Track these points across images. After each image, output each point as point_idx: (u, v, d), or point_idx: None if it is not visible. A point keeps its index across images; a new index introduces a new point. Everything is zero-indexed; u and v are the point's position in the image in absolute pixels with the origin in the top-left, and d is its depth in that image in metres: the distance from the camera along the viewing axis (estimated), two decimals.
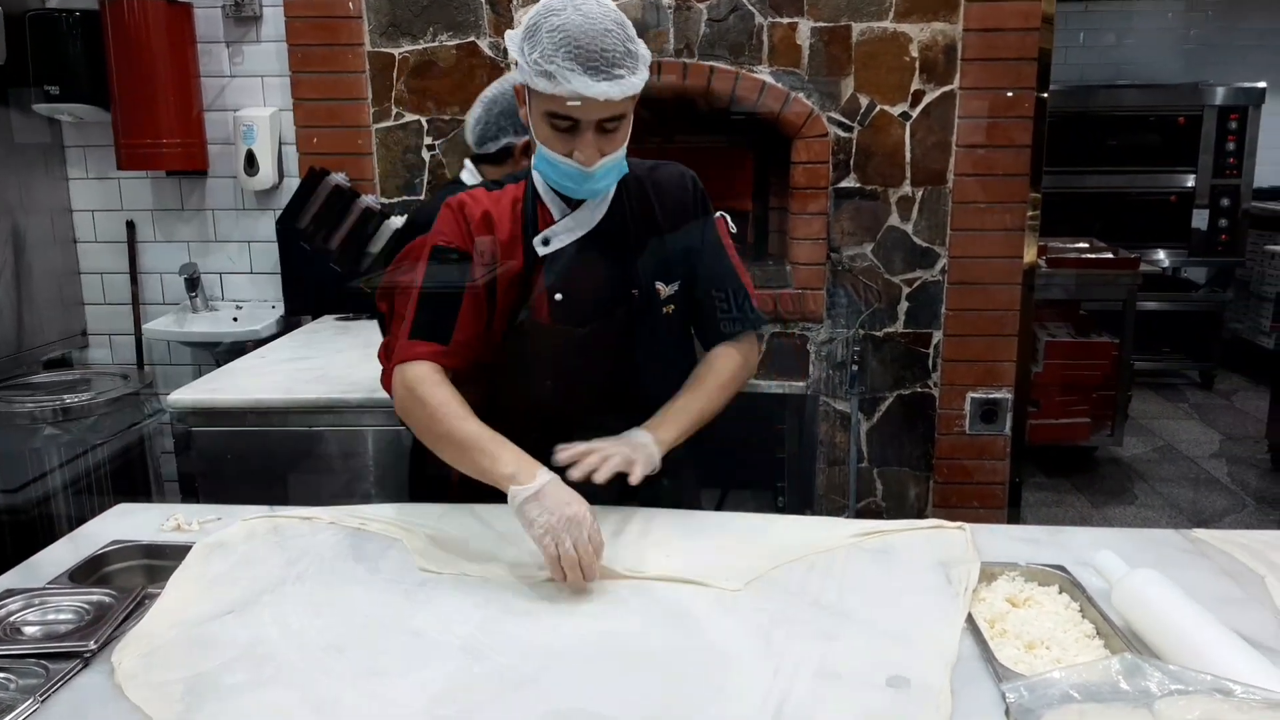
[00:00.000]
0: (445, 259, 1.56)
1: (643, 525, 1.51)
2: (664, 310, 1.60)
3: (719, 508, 3.76)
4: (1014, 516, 3.17)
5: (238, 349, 2.85)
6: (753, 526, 1.53)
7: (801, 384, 3.15)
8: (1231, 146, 5.09)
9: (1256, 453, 4.49)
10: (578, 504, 1.34)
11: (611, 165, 1.46)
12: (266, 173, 3.14)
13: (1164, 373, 5.68)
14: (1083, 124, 5.18)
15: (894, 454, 3.17)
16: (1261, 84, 5.10)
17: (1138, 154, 5.22)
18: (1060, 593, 1.31)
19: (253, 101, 3.21)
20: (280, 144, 3.18)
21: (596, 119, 1.41)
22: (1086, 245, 4.41)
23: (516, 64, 1.44)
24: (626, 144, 1.48)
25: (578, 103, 1.38)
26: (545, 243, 1.53)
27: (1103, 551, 1.28)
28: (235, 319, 3.18)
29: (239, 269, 3.31)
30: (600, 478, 1.39)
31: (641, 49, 1.44)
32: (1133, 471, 4.31)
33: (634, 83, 1.41)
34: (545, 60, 1.37)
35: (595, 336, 1.58)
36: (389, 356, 1.70)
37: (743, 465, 3.81)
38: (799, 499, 3.29)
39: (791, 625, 1.21)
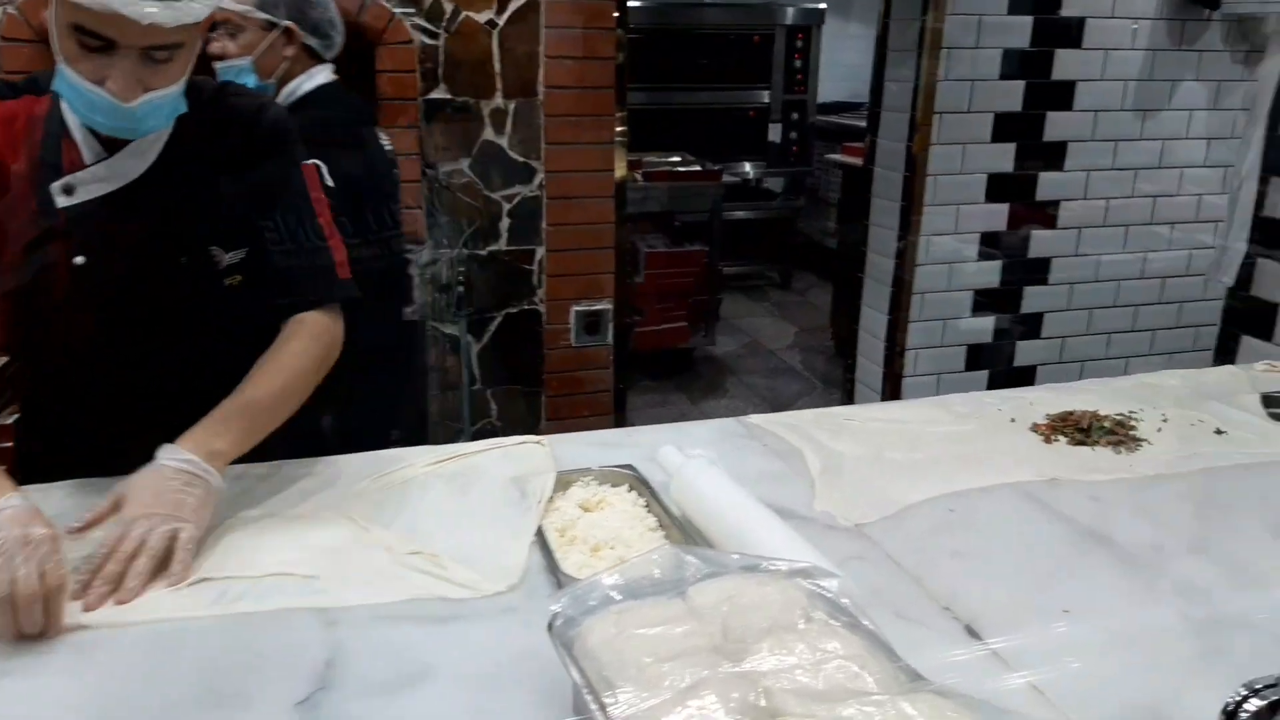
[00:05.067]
0: None
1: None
2: (226, 282, 1.31)
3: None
4: (620, 421, 3.33)
5: None
6: (313, 470, 1.41)
7: (408, 309, 3.03)
8: (799, 64, 5.62)
9: (824, 341, 5.11)
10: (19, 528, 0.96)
11: (160, 103, 1.15)
12: None
13: (750, 275, 6.26)
14: (672, 41, 5.44)
15: (506, 373, 3.18)
16: (822, 4, 5.65)
17: (722, 71, 5.61)
18: (629, 491, 1.35)
19: None
20: None
21: (141, 45, 1.09)
22: (679, 159, 4.67)
23: None
24: (186, 78, 1.18)
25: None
26: (68, 192, 1.20)
27: (664, 446, 1.33)
28: None
29: None
30: (130, 596, 1.02)
31: None
32: (725, 367, 4.73)
33: (194, 9, 1.10)
34: None
35: (132, 314, 1.28)
36: None
37: (352, 398, 3.63)
38: (414, 429, 3.19)
39: (359, 559, 1.13)
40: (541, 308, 3.14)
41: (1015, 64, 3.23)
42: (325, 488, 1.33)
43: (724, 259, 5.66)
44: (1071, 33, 3.25)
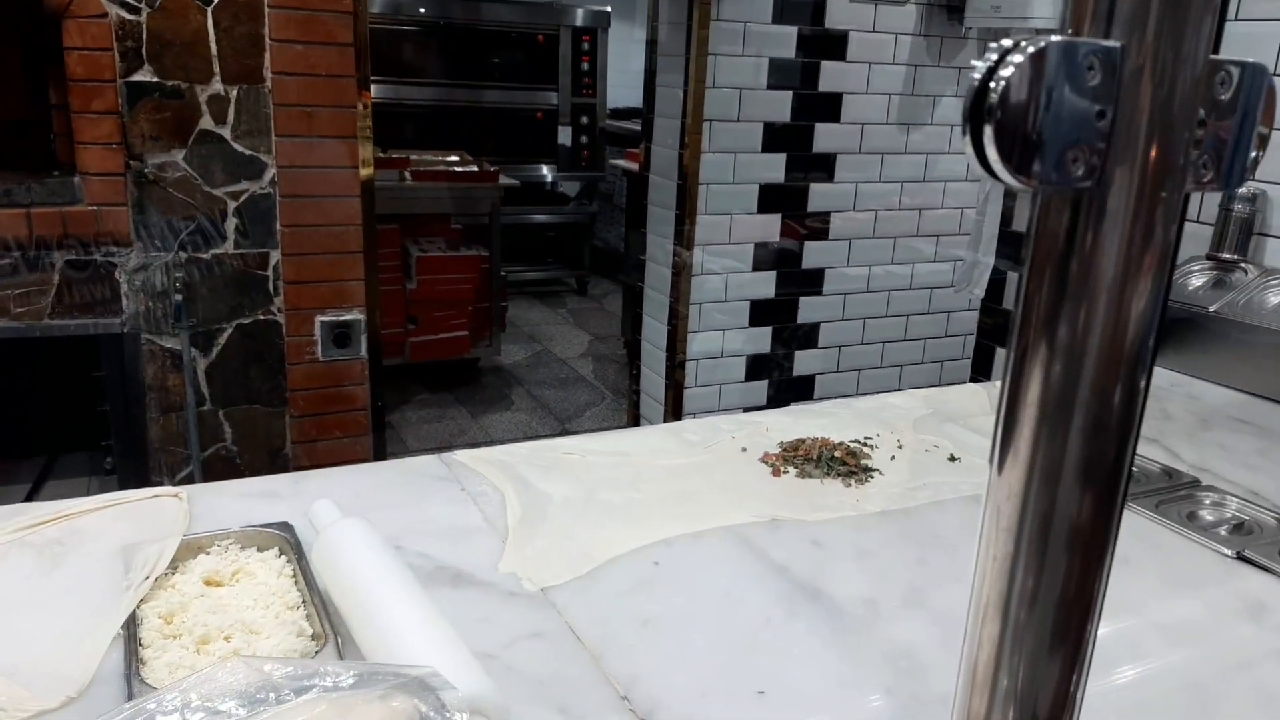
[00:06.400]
0: None
1: None
2: None
3: (42, 478, 3.12)
4: (379, 441, 3.05)
5: None
6: None
7: (115, 320, 2.64)
8: (586, 67, 5.48)
9: (616, 349, 4.99)
10: None
11: None
12: None
13: (547, 281, 6.08)
14: (453, 36, 5.17)
15: (241, 391, 2.83)
16: (607, 7, 5.53)
17: (507, 70, 5.38)
18: (279, 556, 1.11)
19: None
20: None
21: None
22: (457, 159, 4.41)
23: None
24: None
25: None
26: None
27: (319, 501, 1.10)
28: None
29: None
30: None
31: None
32: (512, 378, 4.51)
33: None
34: None
35: None
36: None
37: (64, 424, 3.19)
38: (132, 456, 2.80)
39: None
40: (280, 318, 2.81)
41: (782, 74, 3.19)
42: None
43: (519, 264, 5.46)
44: (836, 45, 3.24)
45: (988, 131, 0.36)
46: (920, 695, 0.92)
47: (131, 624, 0.95)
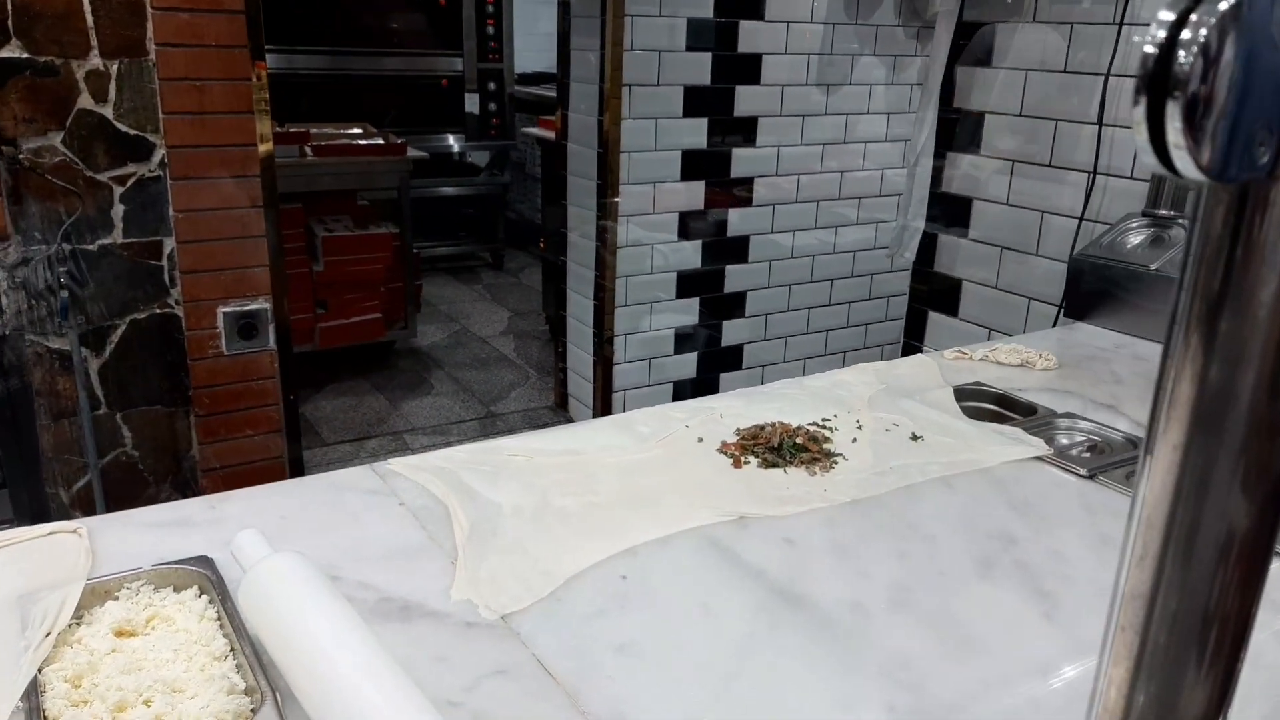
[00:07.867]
0: None
1: None
2: None
3: None
4: (294, 436, 2.88)
5: None
6: None
7: None
8: (491, 30, 5.27)
9: (538, 325, 4.85)
10: None
11: None
12: None
13: (460, 256, 5.89)
14: (351, 2, 4.91)
15: (139, 392, 2.62)
16: None
17: (409, 35, 5.15)
18: (200, 596, 0.98)
19: None
20: None
21: None
22: (359, 131, 4.19)
23: None
24: None
25: None
26: None
27: (243, 532, 0.97)
28: None
29: None
30: None
31: None
32: (430, 360, 4.34)
33: None
34: None
35: None
36: None
37: None
38: (23, 467, 2.57)
39: None
40: (179, 311, 2.61)
41: (701, 35, 3.09)
42: None
43: (430, 239, 5.27)
44: (753, 3, 3.14)
45: (1172, 110, 0.27)
46: (926, 709, 0.85)
47: (33, 693, 0.82)
